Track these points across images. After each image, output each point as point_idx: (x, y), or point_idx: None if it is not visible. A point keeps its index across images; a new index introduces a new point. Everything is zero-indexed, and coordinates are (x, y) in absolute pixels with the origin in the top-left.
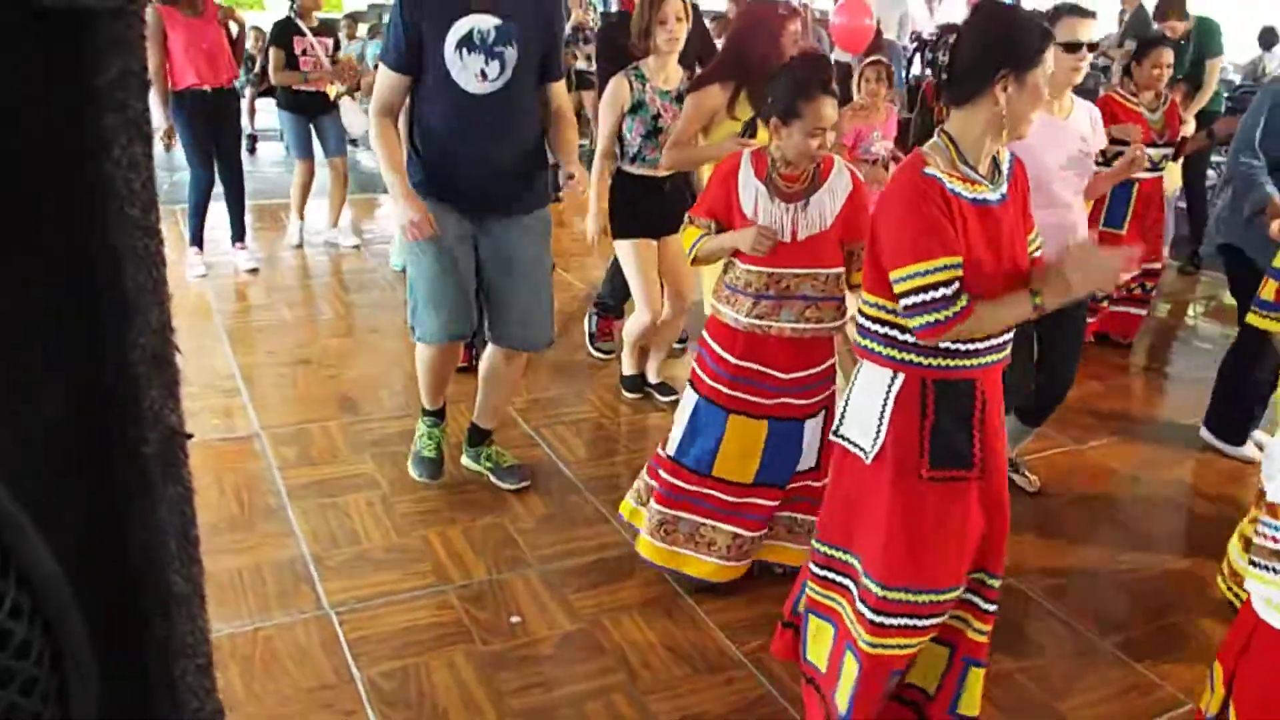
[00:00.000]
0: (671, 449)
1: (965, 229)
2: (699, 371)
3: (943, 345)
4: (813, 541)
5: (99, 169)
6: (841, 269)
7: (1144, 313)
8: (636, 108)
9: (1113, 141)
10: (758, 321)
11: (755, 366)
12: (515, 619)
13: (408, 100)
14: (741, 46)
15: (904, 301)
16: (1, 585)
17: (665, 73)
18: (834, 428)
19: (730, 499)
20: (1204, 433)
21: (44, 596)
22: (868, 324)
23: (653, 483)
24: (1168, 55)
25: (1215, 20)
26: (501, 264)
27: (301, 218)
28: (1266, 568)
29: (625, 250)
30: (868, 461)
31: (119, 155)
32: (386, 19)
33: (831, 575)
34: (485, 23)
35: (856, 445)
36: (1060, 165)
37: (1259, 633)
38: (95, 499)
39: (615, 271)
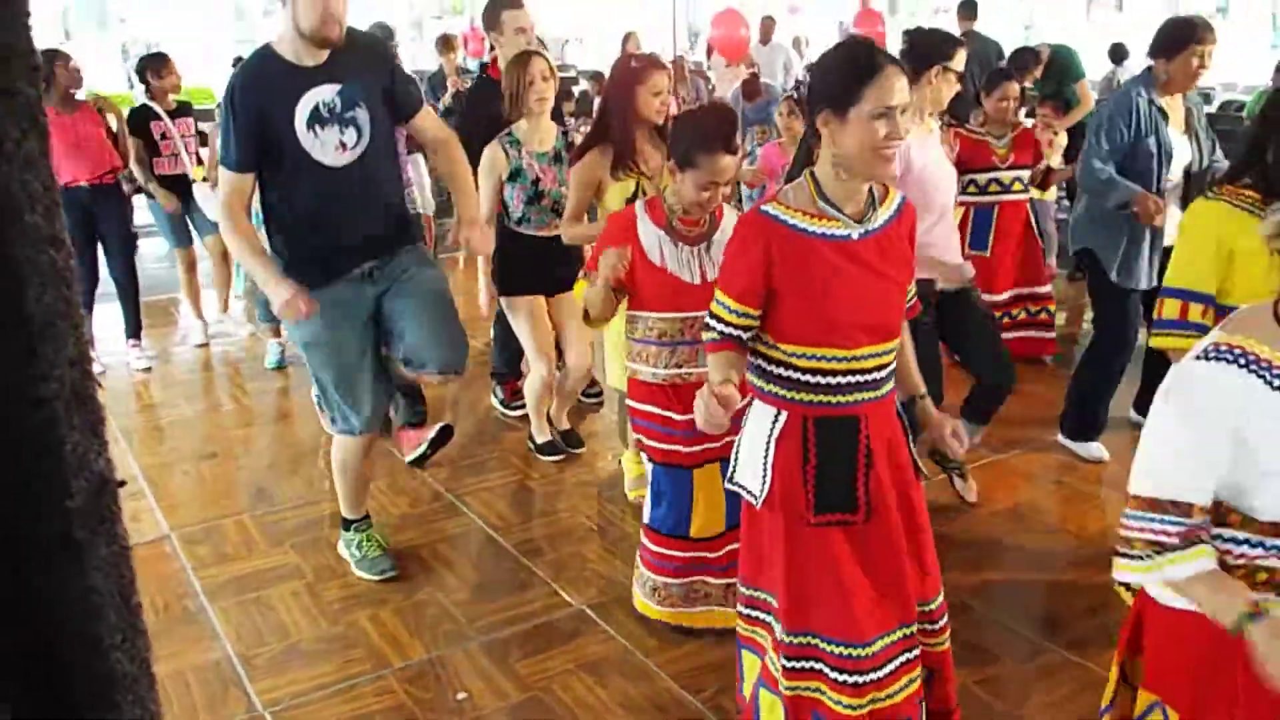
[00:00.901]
0: (646, 518)
1: (804, 262)
2: (648, 442)
3: (821, 380)
4: (737, 580)
5: None
6: None
7: (1049, 334)
8: (515, 175)
9: (962, 171)
10: (677, 370)
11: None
12: (461, 695)
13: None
14: (605, 108)
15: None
16: None
17: (539, 134)
18: (729, 474)
19: (713, 554)
20: (1060, 437)
21: None
22: (753, 359)
23: (645, 540)
24: (1013, 88)
25: (1070, 47)
26: (403, 294)
27: (200, 315)
28: (1123, 555)
29: (513, 307)
30: (757, 506)
31: (10, 150)
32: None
33: (755, 613)
34: (327, 93)
35: (747, 490)
36: (942, 179)
37: (1147, 611)
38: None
39: (500, 338)
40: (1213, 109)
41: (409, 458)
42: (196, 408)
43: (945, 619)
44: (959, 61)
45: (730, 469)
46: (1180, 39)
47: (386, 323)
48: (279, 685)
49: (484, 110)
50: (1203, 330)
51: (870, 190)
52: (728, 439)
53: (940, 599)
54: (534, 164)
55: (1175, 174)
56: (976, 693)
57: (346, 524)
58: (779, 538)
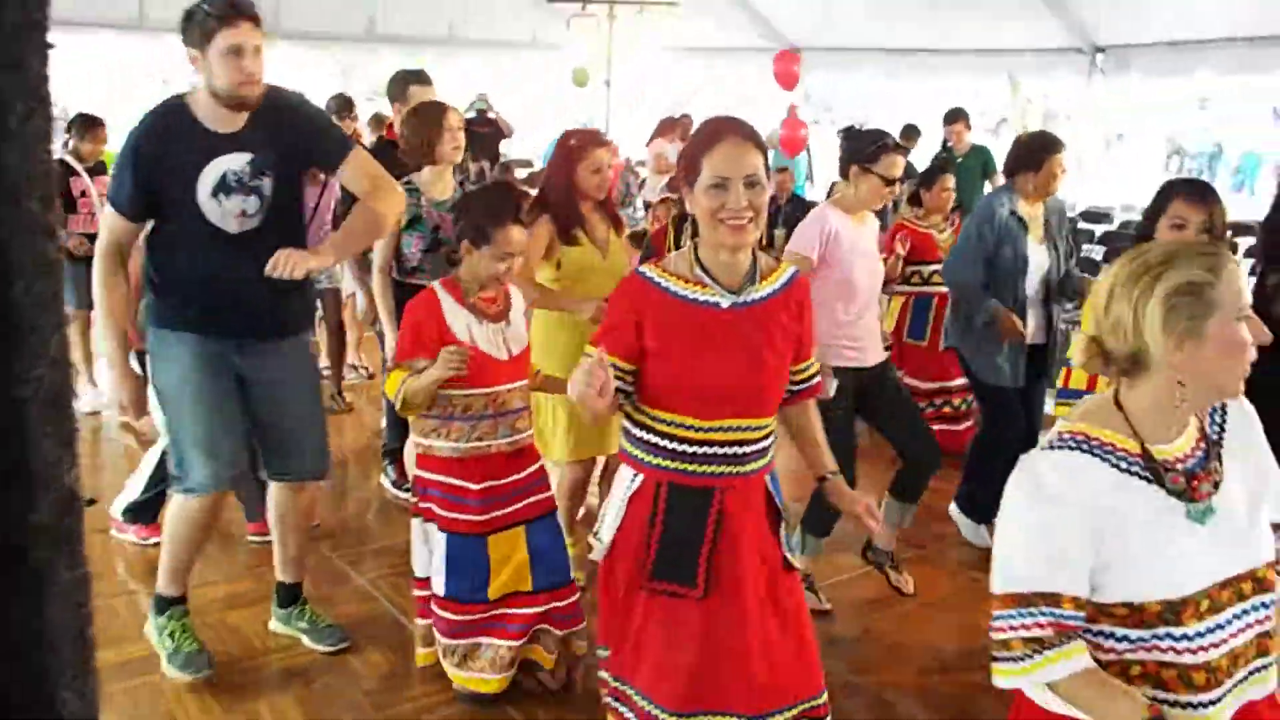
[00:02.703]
0: (440, 590)
1: (671, 325)
2: (439, 511)
3: (677, 447)
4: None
5: None
6: None
7: (966, 426)
8: (413, 223)
9: (908, 263)
10: (479, 444)
11: (492, 483)
12: None
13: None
14: (547, 179)
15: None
16: None
17: (441, 184)
18: (594, 530)
19: (525, 611)
20: (952, 509)
21: None
22: (623, 421)
23: (427, 621)
24: (951, 180)
25: (987, 148)
26: (269, 391)
27: (93, 383)
28: (1001, 659)
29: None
30: (599, 559)
31: (14, 127)
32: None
33: (612, 680)
34: (237, 162)
35: (600, 541)
36: (869, 269)
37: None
38: None
39: (391, 413)
40: (1113, 227)
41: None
42: (87, 480)
43: None
44: (884, 166)
45: (598, 525)
46: (1040, 153)
47: (250, 412)
48: None
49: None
50: None
51: (753, 264)
52: (521, 503)
53: (823, 698)
54: (433, 212)
55: (1033, 282)
56: None
57: (162, 605)
58: (619, 595)
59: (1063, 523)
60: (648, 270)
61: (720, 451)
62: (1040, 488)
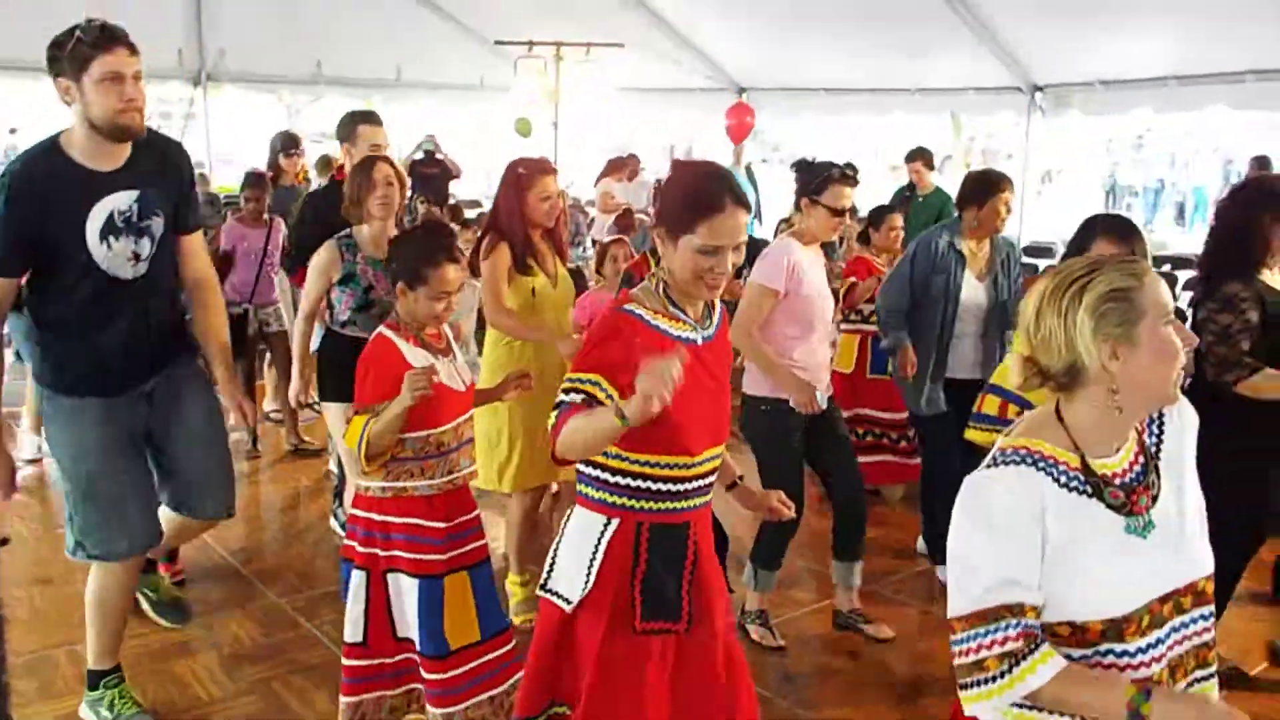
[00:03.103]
0: (422, 646)
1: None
2: (407, 556)
3: (664, 488)
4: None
5: None
6: None
7: (913, 462)
8: (347, 279)
9: (868, 300)
10: (449, 477)
11: (462, 518)
12: None
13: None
14: (496, 208)
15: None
16: None
17: (380, 240)
18: (541, 583)
19: (478, 661)
20: (920, 544)
21: None
22: (584, 469)
23: (356, 699)
24: (898, 220)
25: (946, 191)
26: (173, 430)
27: (36, 430)
28: (972, 684)
29: (336, 414)
30: (569, 611)
31: None
32: None
33: None
34: (123, 200)
35: (560, 596)
36: (826, 301)
37: None
38: None
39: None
40: (1055, 261)
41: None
42: (33, 529)
43: None
44: (831, 196)
45: (545, 577)
46: (988, 189)
47: (154, 454)
48: None
49: (326, 217)
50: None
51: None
52: (473, 544)
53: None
54: (369, 270)
55: (971, 317)
56: None
57: (94, 680)
58: (593, 646)
59: (1014, 535)
60: (635, 309)
61: (698, 485)
62: (988, 504)
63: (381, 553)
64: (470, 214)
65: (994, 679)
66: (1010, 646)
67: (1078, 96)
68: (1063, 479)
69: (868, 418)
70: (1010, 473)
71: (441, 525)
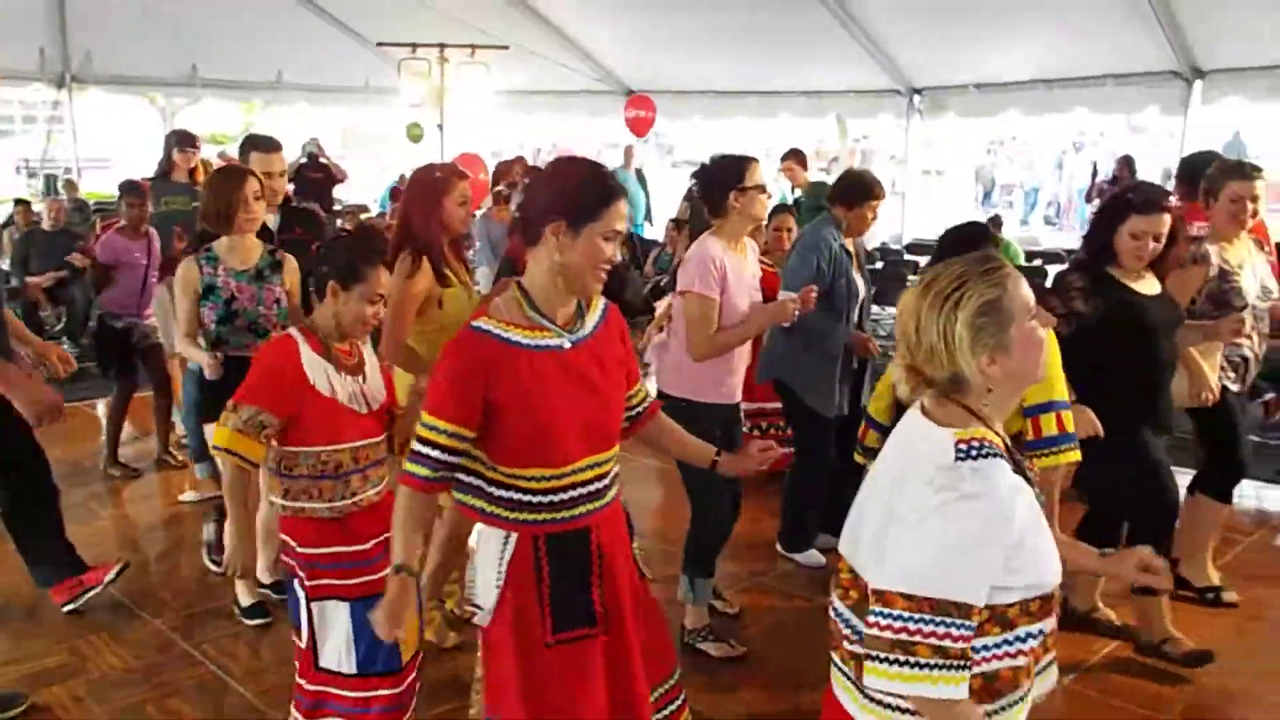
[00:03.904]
0: (351, 666)
1: (519, 376)
2: (336, 583)
3: (545, 499)
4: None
5: None
6: None
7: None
8: (207, 292)
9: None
10: (353, 500)
11: (381, 536)
12: None
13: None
14: (409, 218)
15: (412, 445)
16: None
17: (242, 251)
18: (466, 594)
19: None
20: (780, 548)
21: None
22: (464, 477)
23: (345, 690)
24: (789, 219)
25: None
26: None
27: None
28: (885, 659)
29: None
30: (485, 624)
31: None
32: None
33: None
34: None
35: (479, 608)
36: (749, 304)
37: None
38: None
39: (213, 464)
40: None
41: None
42: None
43: (683, 698)
44: (754, 176)
45: (465, 590)
46: (860, 195)
47: None
48: None
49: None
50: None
51: (578, 299)
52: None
53: (676, 678)
54: (230, 281)
55: (854, 311)
56: None
57: None
58: (513, 662)
59: (992, 532)
60: (484, 324)
61: (584, 491)
62: (976, 498)
63: (309, 581)
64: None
65: (918, 666)
66: (950, 645)
67: (953, 99)
68: (1008, 463)
69: (768, 411)
70: (988, 465)
71: (365, 546)
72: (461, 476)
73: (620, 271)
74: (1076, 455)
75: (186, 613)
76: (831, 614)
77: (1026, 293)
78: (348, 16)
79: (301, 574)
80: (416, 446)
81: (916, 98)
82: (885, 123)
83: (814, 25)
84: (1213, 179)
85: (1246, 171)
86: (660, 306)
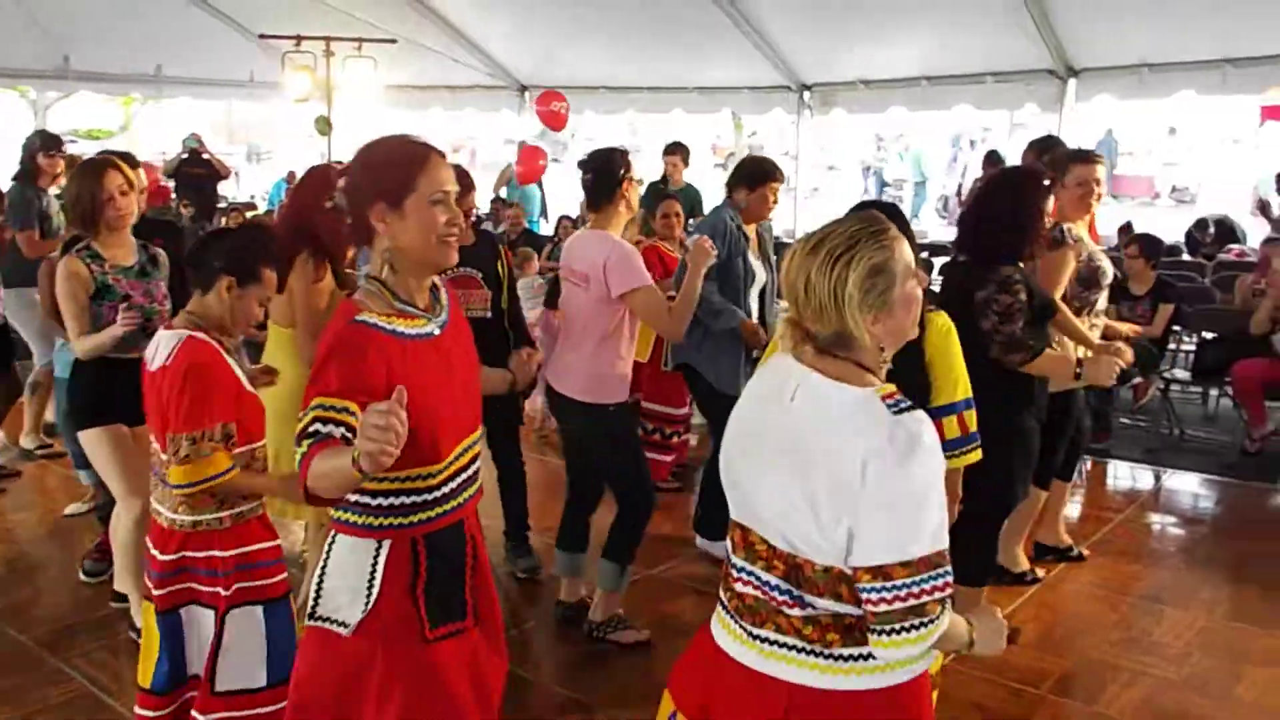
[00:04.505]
0: (262, 679)
1: (416, 366)
2: (257, 584)
3: (428, 497)
4: None
5: None
6: None
7: (669, 458)
8: (102, 292)
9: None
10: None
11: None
12: None
13: None
14: (308, 219)
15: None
16: None
17: (120, 248)
18: (309, 611)
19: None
20: (699, 541)
21: None
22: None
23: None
24: (675, 205)
25: (696, 188)
26: None
27: None
28: (900, 629)
29: (93, 440)
30: (348, 634)
31: None
32: None
33: None
34: None
35: (338, 622)
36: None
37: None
38: None
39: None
40: None
41: None
42: None
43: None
44: (636, 167)
45: (311, 605)
46: (761, 176)
47: None
48: None
49: None
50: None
51: (432, 281)
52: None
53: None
54: (121, 280)
55: (754, 295)
56: None
57: None
58: (380, 667)
59: (940, 475)
60: (366, 317)
61: (462, 479)
62: (933, 450)
63: (234, 586)
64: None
65: (931, 622)
66: (948, 591)
67: (841, 95)
68: None
69: (651, 412)
70: (923, 416)
71: (278, 542)
72: None
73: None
74: (978, 455)
75: (57, 626)
76: (750, 584)
77: (909, 254)
78: (230, 7)
79: (220, 587)
80: (314, 425)
81: (807, 94)
82: (777, 118)
83: (706, 22)
84: (1058, 164)
85: (1089, 156)
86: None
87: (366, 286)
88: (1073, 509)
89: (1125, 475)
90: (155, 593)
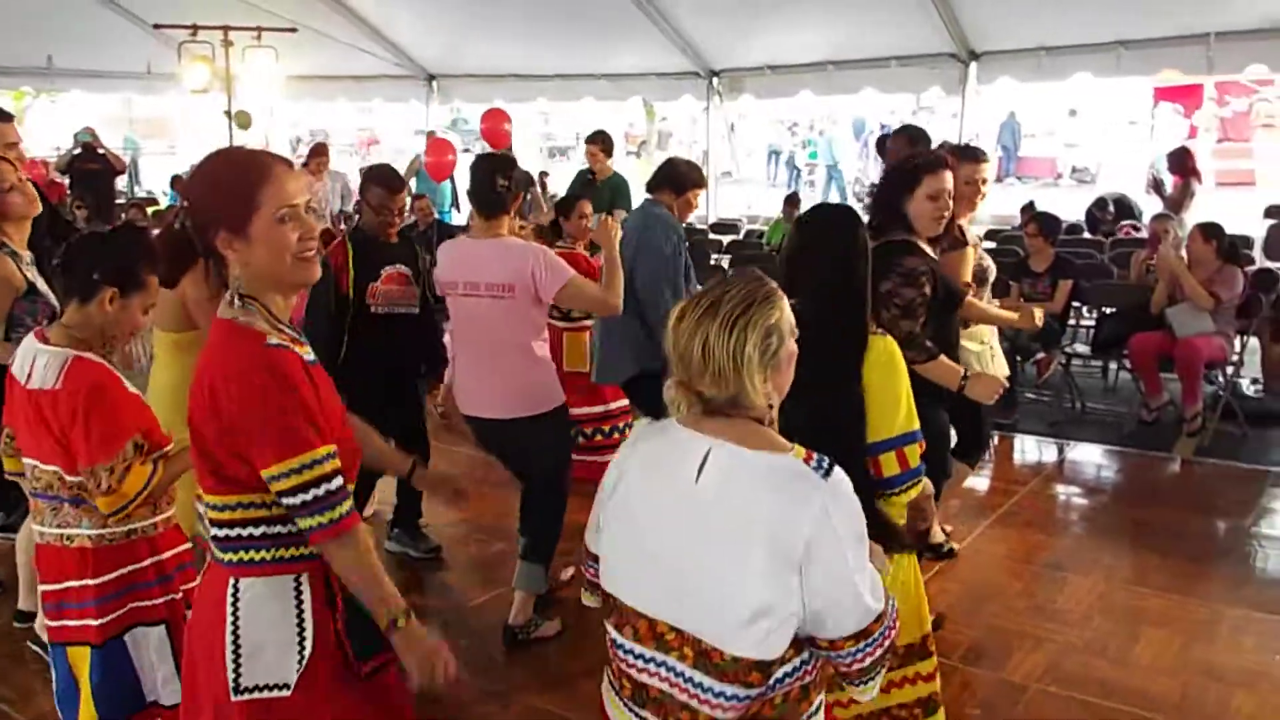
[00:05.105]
0: (175, 695)
1: (325, 390)
2: (149, 604)
3: None
4: None
5: None
6: None
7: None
8: (30, 291)
9: None
10: (169, 508)
11: (174, 551)
12: None
13: None
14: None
15: (288, 501)
16: None
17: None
18: (235, 686)
19: None
20: None
21: None
22: (237, 532)
23: None
24: (587, 206)
25: (624, 178)
26: None
27: None
28: (878, 672)
29: None
30: (289, 694)
31: None
32: None
33: None
34: None
35: (274, 686)
36: None
37: None
38: None
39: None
40: (739, 237)
41: None
42: None
43: None
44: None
45: (234, 679)
46: (692, 180)
47: None
48: None
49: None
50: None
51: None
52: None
53: None
54: (38, 280)
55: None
56: None
57: None
58: (323, 714)
59: (864, 523)
60: (275, 340)
61: (348, 491)
62: (853, 503)
63: (129, 606)
64: (147, 212)
65: (884, 668)
66: (895, 609)
67: (749, 81)
68: None
69: (582, 417)
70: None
71: (114, 576)
72: (235, 532)
73: None
74: (919, 489)
75: None
76: (669, 680)
77: (790, 311)
78: None
79: (171, 594)
80: (299, 500)
81: (715, 80)
82: (687, 104)
83: (612, 8)
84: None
85: (977, 155)
86: None
87: (244, 306)
88: (981, 482)
89: (1031, 449)
90: (93, 623)
